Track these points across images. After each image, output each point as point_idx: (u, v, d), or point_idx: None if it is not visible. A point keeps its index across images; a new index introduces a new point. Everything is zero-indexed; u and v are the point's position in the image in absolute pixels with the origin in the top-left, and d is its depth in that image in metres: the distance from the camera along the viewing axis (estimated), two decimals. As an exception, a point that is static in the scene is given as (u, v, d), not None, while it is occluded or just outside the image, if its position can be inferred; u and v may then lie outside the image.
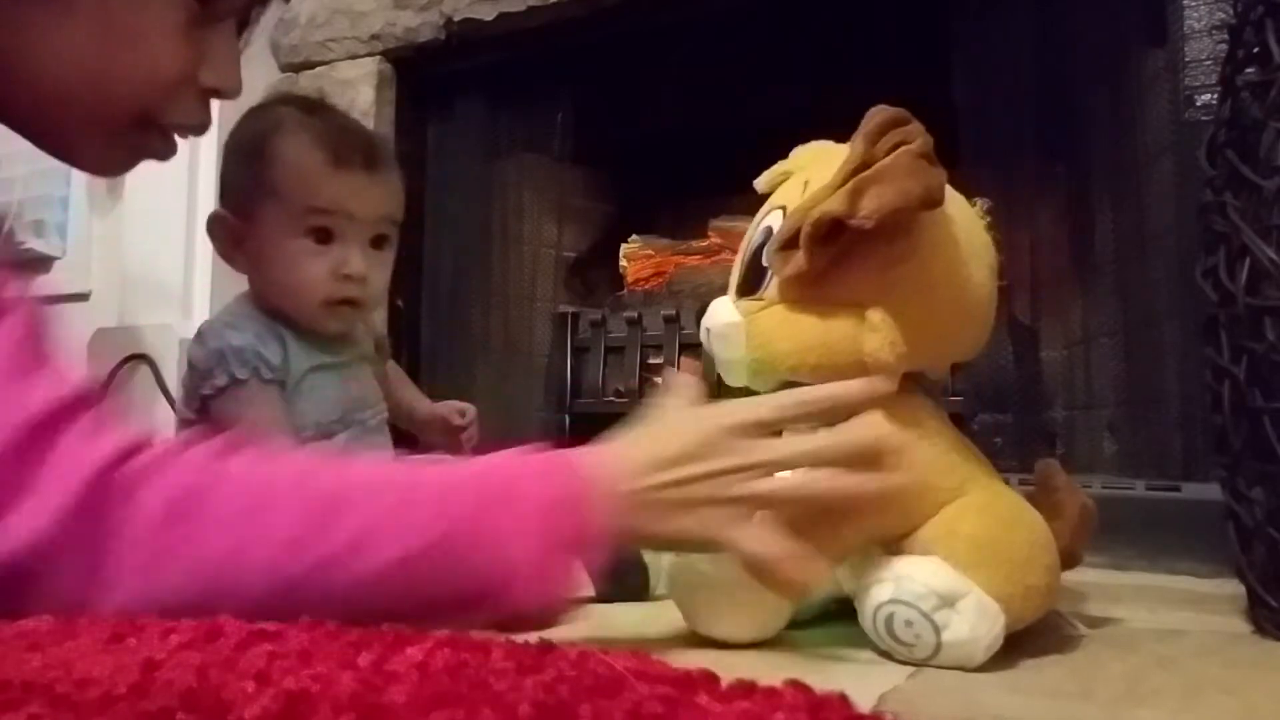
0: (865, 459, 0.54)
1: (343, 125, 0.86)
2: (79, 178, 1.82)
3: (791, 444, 0.56)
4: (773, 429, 0.56)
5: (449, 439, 0.96)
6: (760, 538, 0.53)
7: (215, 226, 0.83)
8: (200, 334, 0.81)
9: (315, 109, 0.87)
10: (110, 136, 0.65)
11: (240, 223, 0.81)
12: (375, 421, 0.87)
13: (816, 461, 0.55)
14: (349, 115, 0.93)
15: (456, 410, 0.96)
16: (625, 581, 0.76)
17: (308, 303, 0.81)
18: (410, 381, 0.99)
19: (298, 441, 0.79)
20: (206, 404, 0.79)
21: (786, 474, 0.54)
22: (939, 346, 0.63)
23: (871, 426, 0.56)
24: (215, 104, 1.44)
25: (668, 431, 0.57)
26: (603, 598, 0.75)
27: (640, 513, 0.53)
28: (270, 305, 0.82)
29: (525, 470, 0.53)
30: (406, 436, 0.96)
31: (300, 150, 0.80)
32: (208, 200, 1.52)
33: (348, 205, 0.80)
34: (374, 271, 0.82)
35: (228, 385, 0.77)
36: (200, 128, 0.69)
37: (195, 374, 0.79)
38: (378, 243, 0.83)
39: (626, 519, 0.52)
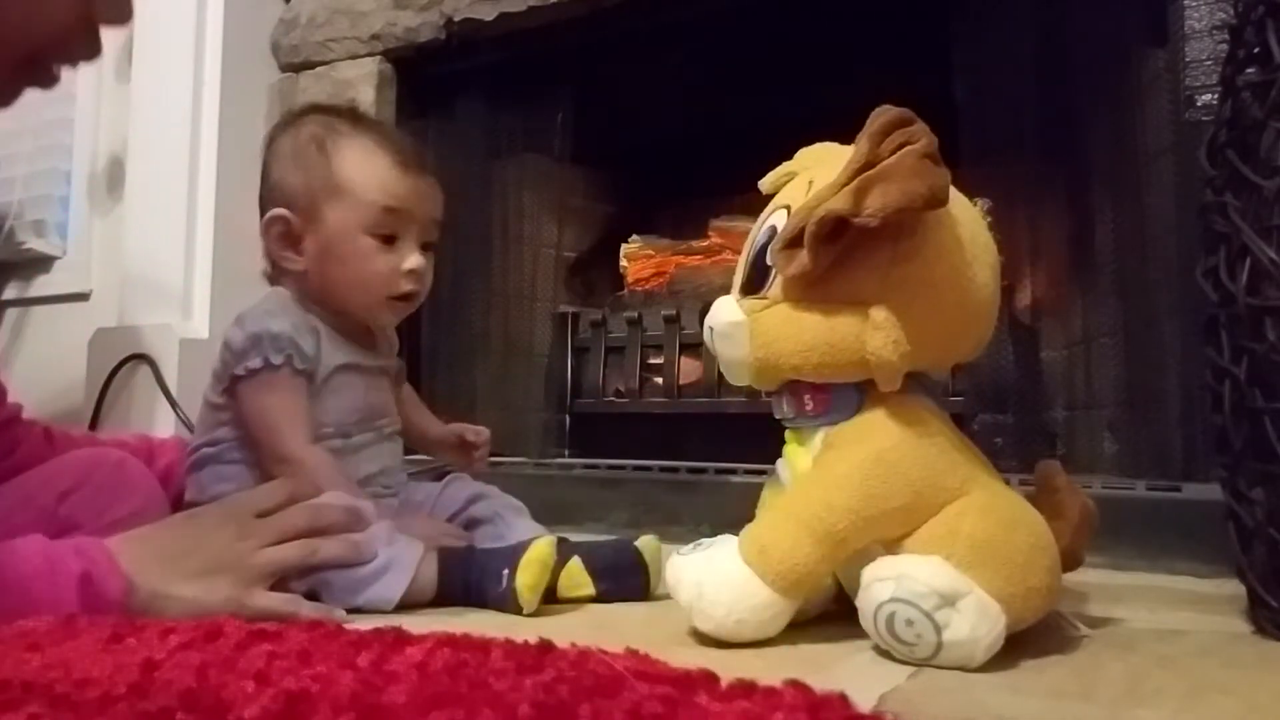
0: (341, 525, 0.71)
1: (390, 130, 0.91)
2: (79, 178, 1.82)
3: (281, 519, 0.69)
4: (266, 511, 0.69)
5: (462, 457, 0.99)
6: (267, 597, 0.65)
7: (273, 225, 0.85)
8: (240, 319, 0.83)
9: (359, 118, 0.91)
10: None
11: (302, 222, 0.85)
12: (389, 431, 0.90)
13: (303, 532, 0.69)
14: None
15: (472, 430, 0.99)
16: (625, 581, 0.76)
17: (373, 298, 0.85)
18: (424, 406, 1.02)
19: (317, 434, 0.81)
20: (235, 386, 0.81)
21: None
22: (942, 346, 0.63)
23: (340, 501, 0.73)
24: (217, 114, 1.46)
25: (181, 518, 0.73)
26: (603, 598, 0.75)
27: (157, 581, 0.63)
28: (319, 300, 0.86)
29: (62, 548, 0.62)
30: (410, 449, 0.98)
31: (368, 152, 0.85)
32: (208, 200, 1.52)
33: (411, 206, 0.85)
34: (426, 270, 0.87)
35: (261, 369, 0.80)
36: (93, 57, 0.73)
37: (230, 355, 0.81)
38: (426, 245, 0.88)
39: (147, 584, 0.62)
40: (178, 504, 0.87)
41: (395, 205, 0.84)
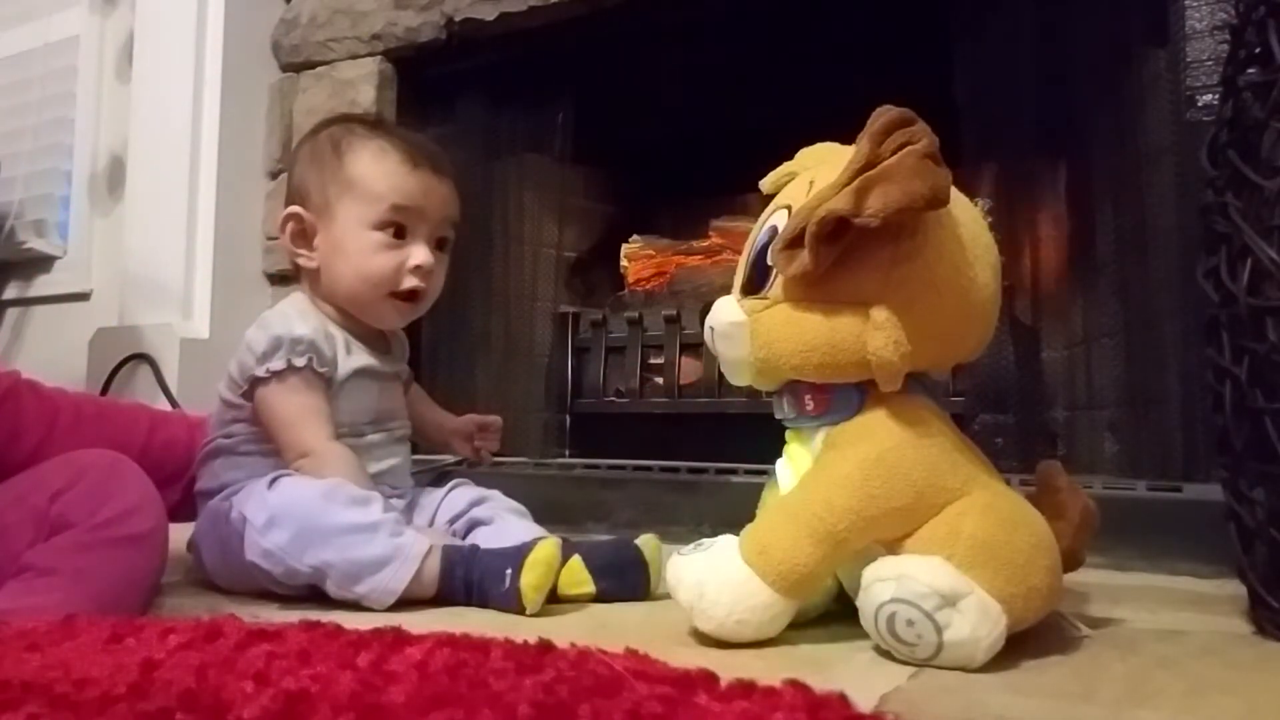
0: None
1: (409, 134, 0.93)
2: (80, 178, 1.82)
3: None
4: None
5: (468, 442, 1.03)
6: None
7: (288, 221, 0.88)
8: (264, 320, 0.85)
9: (379, 123, 0.95)
10: None
11: (313, 220, 0.87)
12: (400, 434, 0.91)
13: None
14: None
15: (488, 419, 1.04)
16: (626, 580, 0.76)
17: (376, 293, 0.86)
18: (434, 402, 1.06)
19: (336, 433, 0.83)
20: (255, 386, 0.83)
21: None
22: (943, 346, 0.62)
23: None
24: (217, 114, 1.49)
25: None
26: (603, 596, 0.75)
27: None
28: (332, 301, 0.88)
29: None
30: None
31: (379, 152, 0.87)
32: (208, 200, 1.53)
33: (421, 203, 0.86)
34: (436, 268, 0.88)
35: (284, 370, 0.81)
36: None
37: (252, 356, 0.83)
38: (440, 244, 0.90)
39: None
40: (177, 481, 0.88)
41: (403, 202, 0.85)
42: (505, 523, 0.86)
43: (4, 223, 1.83)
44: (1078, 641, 0.61)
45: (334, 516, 0.73)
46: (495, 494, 0.91)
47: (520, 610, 0.70)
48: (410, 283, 0.86)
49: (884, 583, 0.56)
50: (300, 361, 0.81)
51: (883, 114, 0.59)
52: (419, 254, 0.86)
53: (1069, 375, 1.20)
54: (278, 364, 0.81)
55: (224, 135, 1.53)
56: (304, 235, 0.88)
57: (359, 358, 0.86)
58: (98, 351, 1.55)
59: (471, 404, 1.44)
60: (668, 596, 0.64)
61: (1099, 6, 1.08)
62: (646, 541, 0.78)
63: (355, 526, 0.73)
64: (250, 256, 1.55)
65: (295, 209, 0.88)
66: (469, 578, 0.73)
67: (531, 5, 1.32)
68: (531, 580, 0.70)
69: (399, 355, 0.94)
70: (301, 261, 0.88)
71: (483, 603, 0.72)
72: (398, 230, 0.86)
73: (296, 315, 0.85)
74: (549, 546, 0.72)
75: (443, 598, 0.73)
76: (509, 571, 0.71)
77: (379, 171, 0.86)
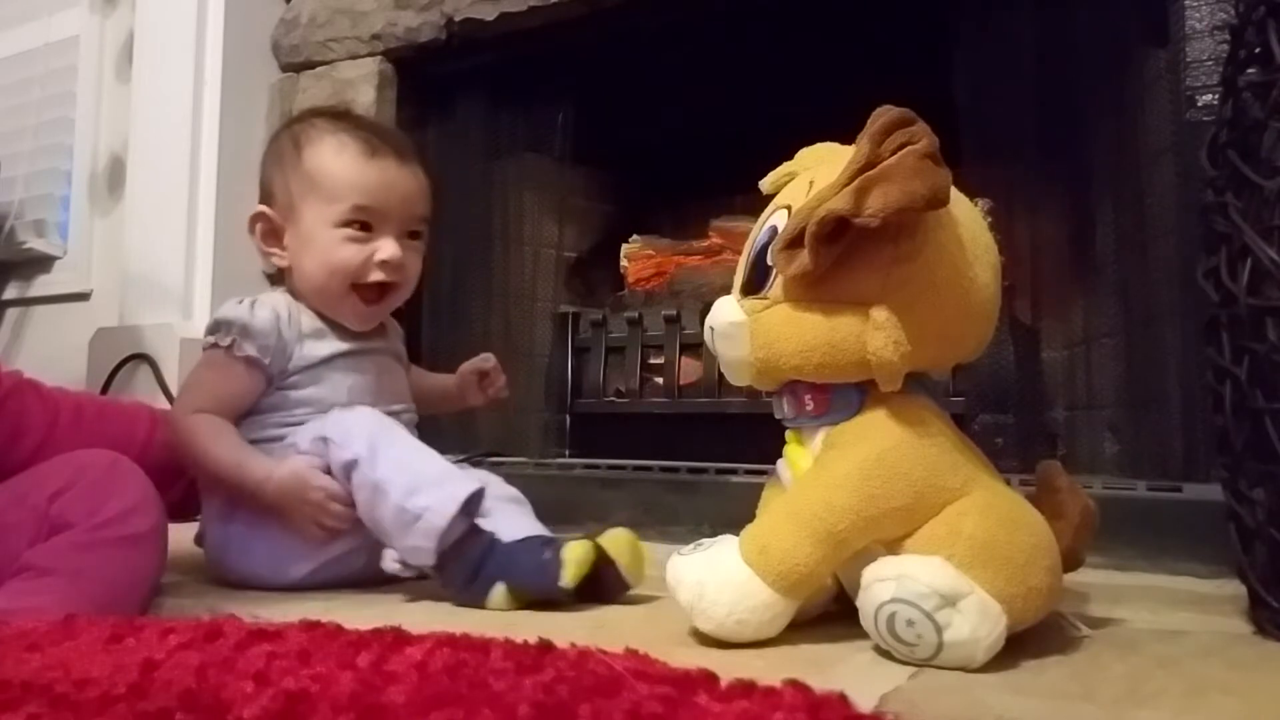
0: None
1: (371, 123, 0.92)
2: (80, 178, 1.82)
3: None
4: None
5: (481, 390, 1.01)
6: None
7: (255, 222, 0.88)
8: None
9: (342, 115, 0.93)
10: None
11: (281, 219, 0.87)
12: (406, 418, 0.90)
13: None
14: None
15: (479, 360, 1.02)
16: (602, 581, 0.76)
17: (342, 286, 0.85)
18: (424, 370, 1.05)
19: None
20: None
21: None
22: (943, 347, 0.62)
23: None
24: (217, 114, 1.48)
25: None
26: (584, 598, 0.74)
27: None
28: (306, 299, 0.87)
29: None
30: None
31: (340, 146, 0.86)
32: (208, 200, 1.53)
33: (384, 199, 0.85)
34: (409, 258, 0.87)
35: (211, 347, 0.84)
36: None
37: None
38: (413, 235, 0.89)
39: None
40: (177, 481, 0.88)
41: (365, 201, 0.84)
42: (504, 514, 0.84)
43: (4, 223, 1.83)
44: (1078, 641, 0.61)
45: (394, 435, 0.79)
46: (493, 479, 0.89)
47: (553, 581, 0.71)
48: (377, 276, 0.85)
49: (884, 583, 0.56)
50: (225, 340, 0.82)
51: (883, 114, 0.59)
52: (387, 248, 0.85)
53: (1069, 375, 1.20)
54: (207, 341, 0.84)
55: (224, 135, 1.53)
56: (274, 234, 0.88)
57: (334, 343, 0.86)
58: (98, 351, 1.55)
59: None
60: (667, 597, 0.64)
61: (1099, 7, 1.08)
62: (615, 538, 0.76)
63: (414, 447, 0.79)
64: (250, 256, 1.53)
65: (261, 209, 0.88)
66: (497, 547, 0.75)
67: (531, 5, 1.32)
68: (575, 555, 0.72)
69: (394, 337, 0.95)
70: (275, 260, 0.88)
71: (507, 569, 0.73)
72: (364, 225, 0.85)
73: (254, 302, 0.85)
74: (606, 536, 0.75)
75: (459, 553, 0.75)
76: (548, 549, 0.73)
77: (340, 167, 0.85)
